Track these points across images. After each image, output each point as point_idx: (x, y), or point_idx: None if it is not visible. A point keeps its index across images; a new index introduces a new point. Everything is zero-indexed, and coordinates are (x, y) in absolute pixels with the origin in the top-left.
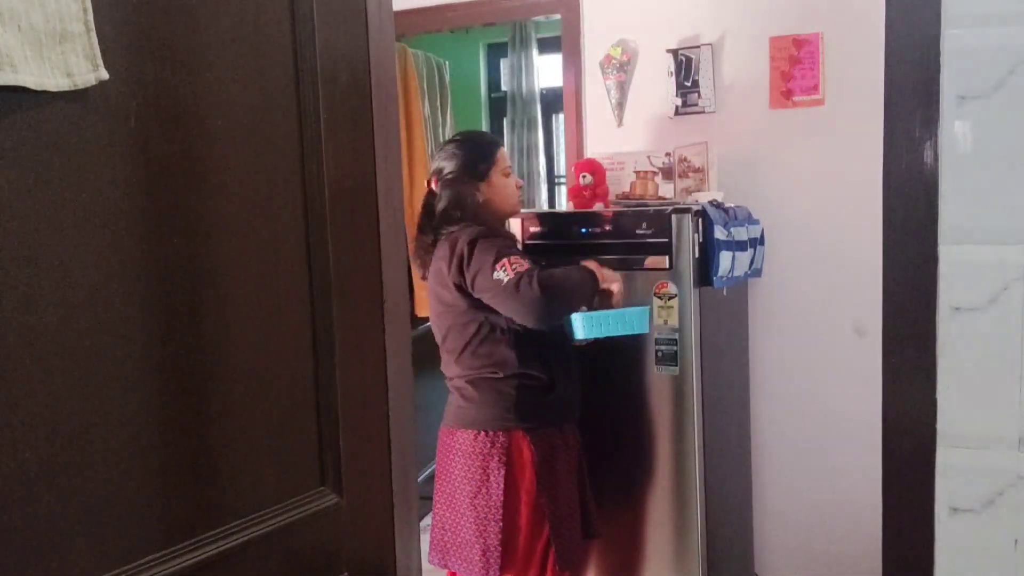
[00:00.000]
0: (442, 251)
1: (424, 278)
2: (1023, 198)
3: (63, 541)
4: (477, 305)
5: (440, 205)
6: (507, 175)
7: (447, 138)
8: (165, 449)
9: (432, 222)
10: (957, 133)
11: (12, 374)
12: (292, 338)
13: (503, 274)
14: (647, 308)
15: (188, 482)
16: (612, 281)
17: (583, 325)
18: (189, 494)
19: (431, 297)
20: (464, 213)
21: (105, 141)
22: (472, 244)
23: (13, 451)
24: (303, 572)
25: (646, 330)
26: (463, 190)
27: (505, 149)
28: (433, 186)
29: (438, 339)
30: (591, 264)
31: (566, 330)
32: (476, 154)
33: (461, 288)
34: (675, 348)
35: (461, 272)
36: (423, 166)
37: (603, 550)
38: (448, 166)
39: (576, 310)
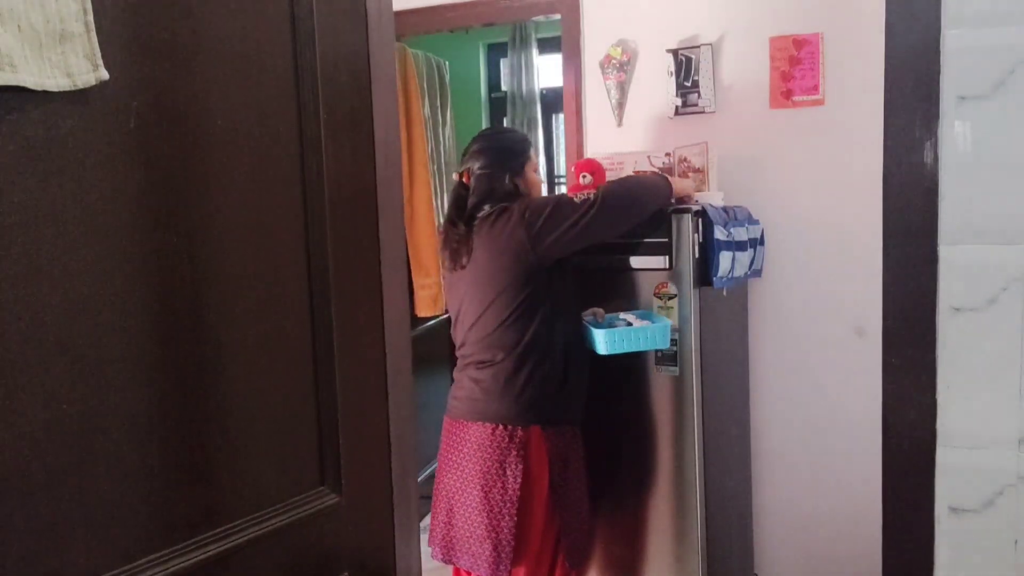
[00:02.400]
0: (505, 219)
1: (458, 267)
2: (1023, 198)
3: (63, 541)
4: (531, 275)
5: (475, 198)
6: (536, 171)
7: (478, 132)
8: (165, 449)
9: (463, 214)
10: (957, 133)
11: (12, 374)
12: (292, 338)
13: (581, 197)
14: (668, 324)
15: (188, 482)
16: (684, 190)
17: (605, 341)
18: (189, 494)
19: (477, 273)
20: (502, 201)
21: (105, 141)
22: (534, 201)
23: (13, 451)
24: (303, 572)
25: (667, 346)
26: (498, 183)
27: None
28: (465, 180)
29: (467, 321)
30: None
31: (588, 344)
32: (511, 150)
33: (524, 251)
34: (675, 348)
35: (530, 226)
36: (423, 166)
37: (604, 549)
38: (481, 161)
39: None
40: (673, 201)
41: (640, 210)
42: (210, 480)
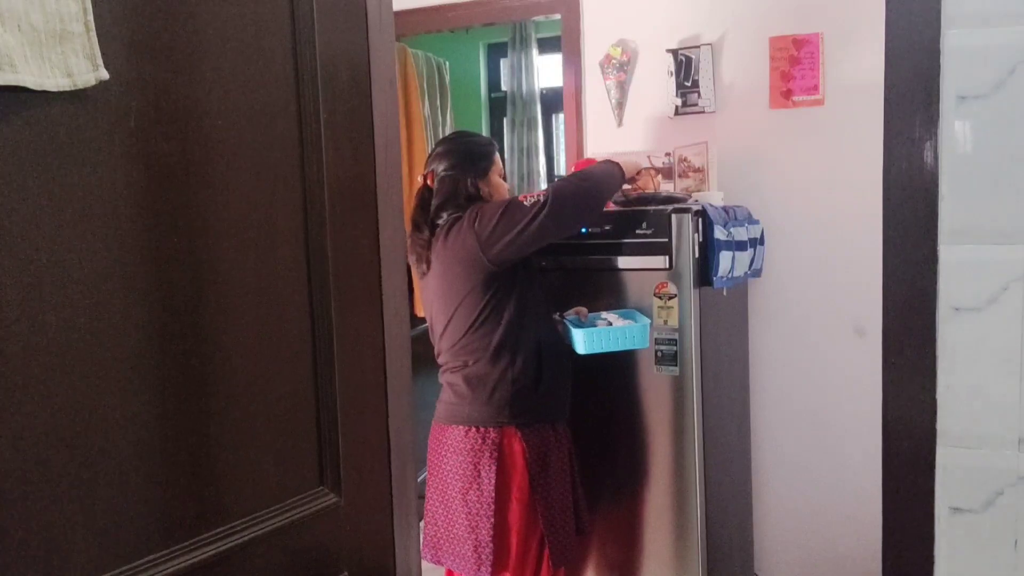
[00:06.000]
0: (456, 228)
1: (423, 275)
2: (1023, 198)
3: (63, 541)
4: (490, 279)
5: (436, 201)
6: (501, 175)
7: (442, 136)
8: (165, 449)
9: (427, 216)
10: (957, 133)
11: (12, 374)
12: (291, 338)
13: (531, 200)
14: (648, 323)
15: (188, 482)
16: (635, 170)
17: (584, 340)
18: (189, 494)
19: (438, 284)
20: (461, 207)
21: (105, 141)
22: (484, 208)
23: (13, 451)
24: (303, 572)
25: (647, 345)
26: (461, 186)
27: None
28: (429, 182)
29: (438, 331)
30: (614, 159)
31: (567, 342)
32: (475, 153)
33: (476, 259)
34: (675, 348)
35: (479, 234)
36: (423, 166)
37: (603, 550)
38: (445, 163)
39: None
40: (627, 183)
41: (593, 206)
42: (210, 480)
